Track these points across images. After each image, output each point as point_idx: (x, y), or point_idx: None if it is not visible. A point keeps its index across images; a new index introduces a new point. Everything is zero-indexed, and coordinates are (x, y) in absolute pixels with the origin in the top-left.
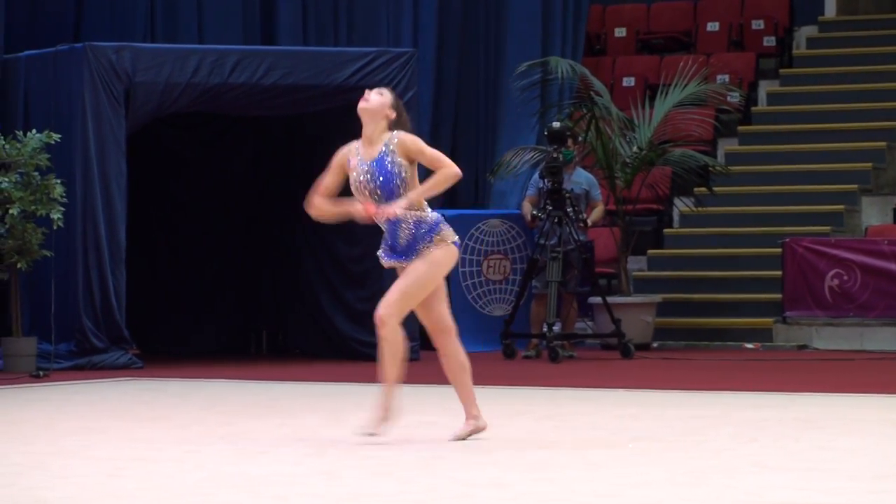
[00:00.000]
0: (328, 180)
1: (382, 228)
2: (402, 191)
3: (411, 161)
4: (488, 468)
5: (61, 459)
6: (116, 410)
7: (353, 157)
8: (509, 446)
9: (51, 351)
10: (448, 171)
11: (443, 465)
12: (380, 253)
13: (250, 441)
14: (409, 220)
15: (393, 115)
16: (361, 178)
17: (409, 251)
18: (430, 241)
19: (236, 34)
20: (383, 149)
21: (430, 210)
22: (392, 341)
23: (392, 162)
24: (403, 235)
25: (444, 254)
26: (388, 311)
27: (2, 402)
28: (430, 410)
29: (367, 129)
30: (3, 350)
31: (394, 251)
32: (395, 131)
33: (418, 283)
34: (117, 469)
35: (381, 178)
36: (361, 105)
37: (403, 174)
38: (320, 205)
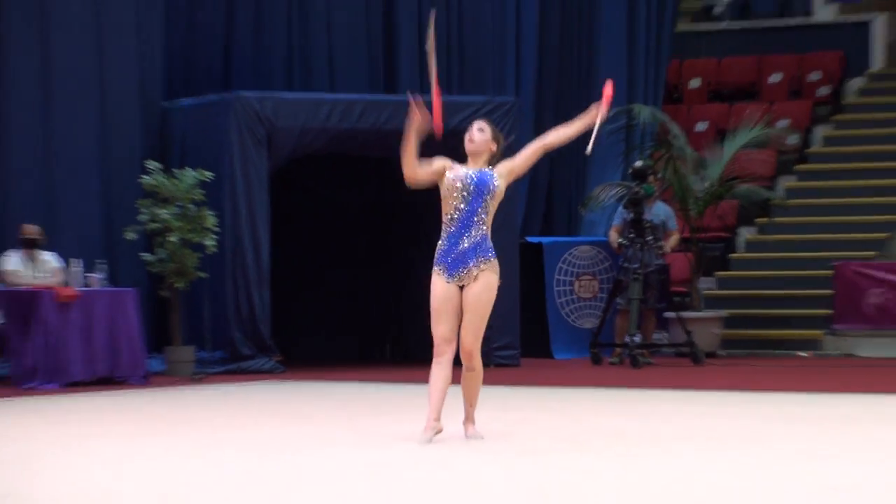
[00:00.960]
0: (423, 163)
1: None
2: (488, 201)
3: (507, 185)
4: (578, 455)
5: (215, 451)
6: (262, 408)
7: (459, 168)
8: (597, 438)
9: (206, 357)
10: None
11: (544, 452)
12: (437, 269)
13: (372, 434)
14: (480, 233)
15: (495, 146)
16: (459, 179)
17: (465, 259)
18: (488, 260)
19: (362, 83)
20: (487, 169)
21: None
22: (479, 371)
23: (492, 177)
24: (468, 241)
25: (496, 279)
26: (476, 345)
27: (166, 401)
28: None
29: (472, 163)
30: (166, 357)
31: (449, 258)
32: (496, 165)
33: (486, 312)
34: (261, 458)
35: (477, 181)
36: (468, 147)
37: (494, 190)
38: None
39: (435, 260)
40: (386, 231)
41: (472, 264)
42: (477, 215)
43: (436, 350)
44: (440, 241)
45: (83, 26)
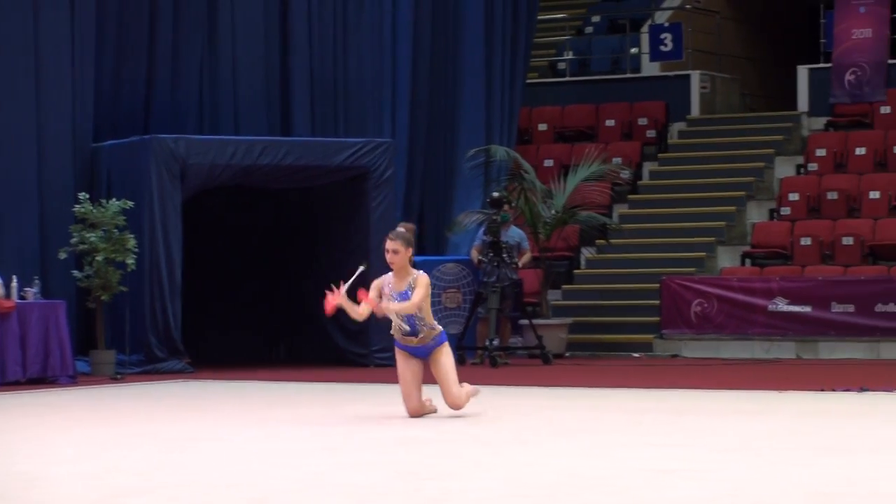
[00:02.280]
0: (362, 305)
1: (400, 323)
2: (418, 312)
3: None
4: (450, 445)
5: (134, 439)
6: (174, 404)
7: (387, 287)
8: (466, 429)
9: (125, 360)
10: (413, 303)
11: (416, 442)
12: (397, 343)
13: (274, 425)
14: (428, 332)
15: (410, 249)
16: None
17: (424, 351)
18: (439, 342)
19: (262, 126)
20: (408, 285)
21: (437, 326)
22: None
23: (409, 291)
24: (422, 339)
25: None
26: (460, 398)
27: (90, 398)
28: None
29: (396, 275)
30: (91, 359)
31: (409, 346)
32: (417, 272)
33: (452, 367)
34: (174, 446)
35: (400, 300)
36: (390, 261)
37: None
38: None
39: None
40: (282, 250)
41: (431, 346)
42: (415, 318)
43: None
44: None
45: (25, 79)
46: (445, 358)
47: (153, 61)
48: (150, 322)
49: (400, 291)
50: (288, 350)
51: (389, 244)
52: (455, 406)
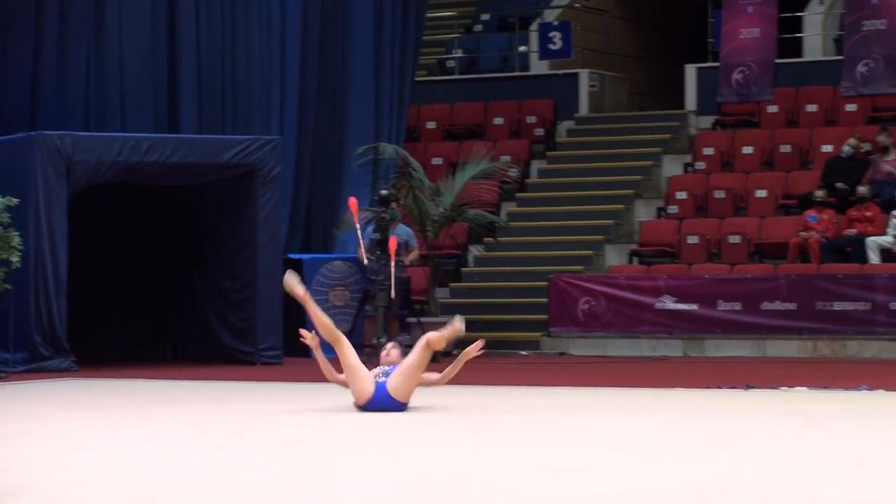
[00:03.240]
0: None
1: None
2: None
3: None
4: (341, 444)
5: (18, 438)
6: (59, 402)
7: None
8: (353, 427)
9: (9, 358)
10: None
11: (305, 441)
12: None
13: (160, 424)
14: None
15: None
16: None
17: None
18: None
19: (149, 124)
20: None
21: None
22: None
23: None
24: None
25: None
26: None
27: None
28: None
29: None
30: None
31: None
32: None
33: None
34: (59, 445)
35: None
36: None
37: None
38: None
39: None
40: (170, 248)
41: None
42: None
43: None
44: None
45: None
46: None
47: (39, 56)
48: (35, 320)
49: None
50: (175, 348)
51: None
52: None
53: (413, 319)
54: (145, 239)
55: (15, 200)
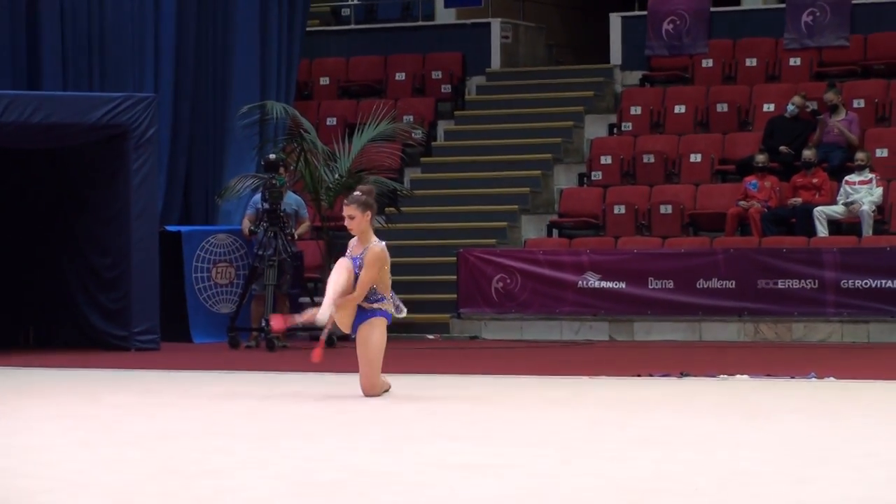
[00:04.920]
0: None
1: None
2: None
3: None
4: (221, 438)
5: None
6: None
7: (349, 249)
8: (238, 420)
9: None
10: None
11: (183, 436)
12: None
13: (21, 418)
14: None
15: (369, 212)
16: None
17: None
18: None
19: (6, 79)
20: (361, 253)
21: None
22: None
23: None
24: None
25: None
26: (375, 385)
27: None
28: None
29: (358, 238)
30: None
31: None
32: (373, 242)
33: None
34: None
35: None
36: (348, 227)
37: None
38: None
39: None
40: (32, 219)
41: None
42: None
43: None
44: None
45: None
46: (375, 338)
47: None
48: None
49: (354, 256)
50: (37, 333)
51: (345, 210)
52: (369, 391)
53: (306, 299)
54: (2, 209)
55: None
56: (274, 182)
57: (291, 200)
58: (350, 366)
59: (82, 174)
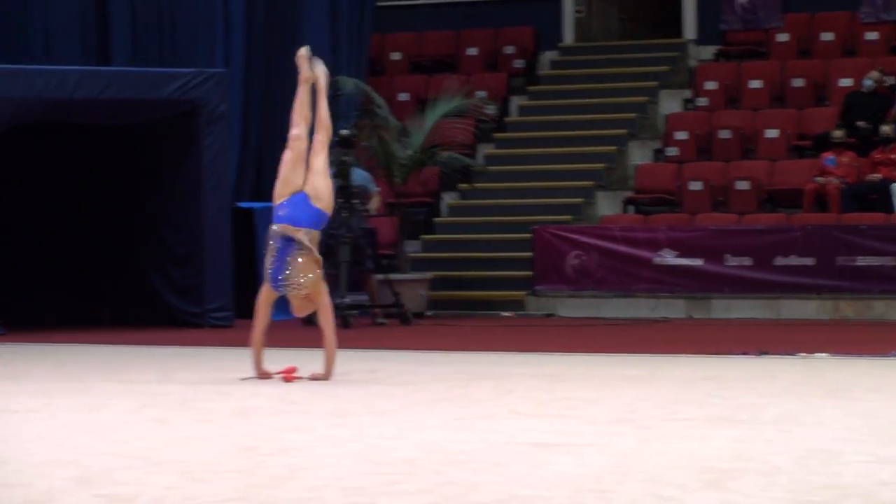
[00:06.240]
0: None
1: None
2: None
3: None
4: (295, 416)
5: None
6: None
7: None
8: (312, 398)
9: None
10: None
11: (257, 413)
12: None
13: (97, 395)
14: None
15: None
16: None
17: None
18: None
19: (77, 55)
20: None
21: None
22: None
23: None
24: None
25: None
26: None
27: None
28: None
29: None
30: None
31: None
32: None
33: None
34: None
35: None
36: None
37: None
38: None
39: None
40: (104, 196)
41: None
42: None
43: None
44: None
45: None
46: None
47: None
48: None
49: None
50: (113, 310)
51: None
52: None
53: (380, 276)
54: (77, 186)
55: None
56: (346, 159)
57: (359, 176)
58: (425, 344)
59: (154, 150)
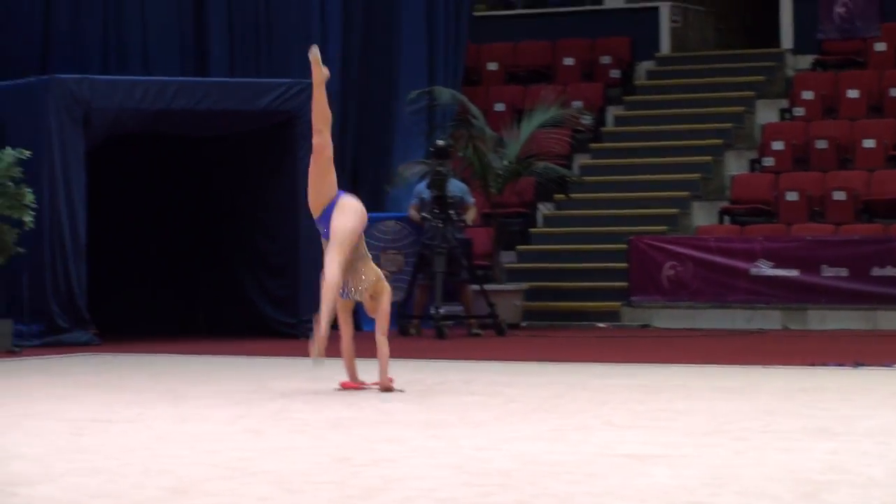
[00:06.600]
0: None
1: None
2: None
3: None
4: (390, 427)
5: (34, 421)
6: (79, 380)
7: None
8: (408, 408)
9: (24, 330)
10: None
11: (352, 424)
12: None
13: (191, 405)
14: None
15: None
16: None
17: None
18: None
19: (175, 66)
20: None
21: None
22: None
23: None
24: None
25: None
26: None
27: None
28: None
29: None
30: None
31: None
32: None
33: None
34: (79, 428)
35: None
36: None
37: None
38: None
39: None
40: (200, 206)
41: None
42: None
43: None
44: None
45: None
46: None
47: None
48: (52, 288)
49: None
50: (208, 319)
51: None
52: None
53: (475, 287)
54: (172, 196)
55: (27, 153)
56: (441, 169)
57: (456, 187)
58: (520, 355)
59: (250, 161)
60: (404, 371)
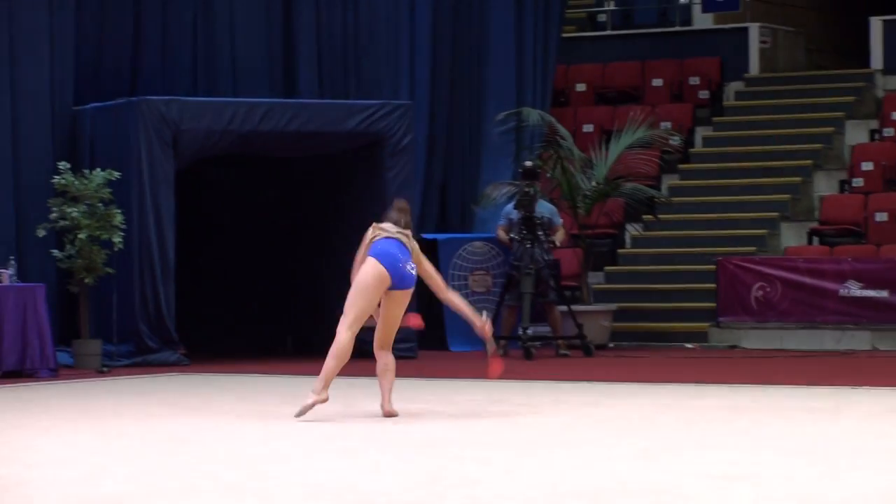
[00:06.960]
0: None
1: None
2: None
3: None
4: (480, 447)
5: (125, 440)
6: (168, 400)
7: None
8: (497, 428)
9: (113, 351)
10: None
11: (442, 443)
12: None
13: (279, 425)
14: None
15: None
16: None
17: None
18: None
19: (263, 88)
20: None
21: None
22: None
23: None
24: None
25: None
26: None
27: (74, 393)
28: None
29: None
30: (74, 350)
31: None
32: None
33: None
34: (170, 449)
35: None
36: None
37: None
38: None
39: None
40: (288, 227)
41: None
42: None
43: None
44: None
45: None
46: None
47: (140, 13)
48: (140, 308)
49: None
50: (296, 339)
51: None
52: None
53: (563, 308)
54: (261, 217)
55: (116, 174)
56: (528, 190)
57: (545, 208)
58: (609, 376)
59: (338, 182)
60: (492, 392)
